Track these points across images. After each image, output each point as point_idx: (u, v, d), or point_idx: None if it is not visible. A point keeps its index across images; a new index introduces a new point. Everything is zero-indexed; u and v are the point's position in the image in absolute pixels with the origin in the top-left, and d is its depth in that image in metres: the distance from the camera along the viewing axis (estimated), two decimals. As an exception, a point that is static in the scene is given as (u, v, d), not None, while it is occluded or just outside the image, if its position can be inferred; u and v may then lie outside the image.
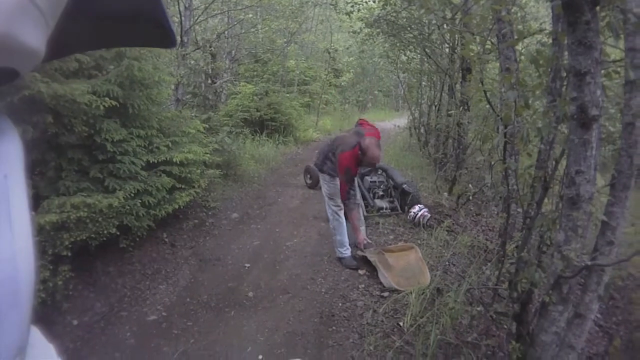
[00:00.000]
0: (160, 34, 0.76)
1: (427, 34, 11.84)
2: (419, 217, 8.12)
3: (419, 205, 8.44)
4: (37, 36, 0.50)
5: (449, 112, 11.07)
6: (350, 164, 6.10)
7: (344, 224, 6.61)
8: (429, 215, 8.18)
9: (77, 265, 5.44)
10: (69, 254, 5.15)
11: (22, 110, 4.75)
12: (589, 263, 2.94)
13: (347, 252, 6.66)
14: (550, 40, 4.07)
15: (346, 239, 6.65)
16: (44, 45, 0.53)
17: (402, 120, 20.71)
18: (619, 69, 3.46)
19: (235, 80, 18.70)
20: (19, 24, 0.46)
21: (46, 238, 4.95)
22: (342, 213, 6.59)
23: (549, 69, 3.69)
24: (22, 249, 0.52)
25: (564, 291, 3.17)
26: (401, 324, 4.99)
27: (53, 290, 4.98)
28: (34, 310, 0.57)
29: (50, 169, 5.48)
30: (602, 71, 3.06)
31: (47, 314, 4.96)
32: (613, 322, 5.49)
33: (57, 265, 5.08)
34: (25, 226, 0.54)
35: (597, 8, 2.77)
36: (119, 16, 0.71)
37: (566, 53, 3.15)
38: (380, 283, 6.00)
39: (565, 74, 3.58)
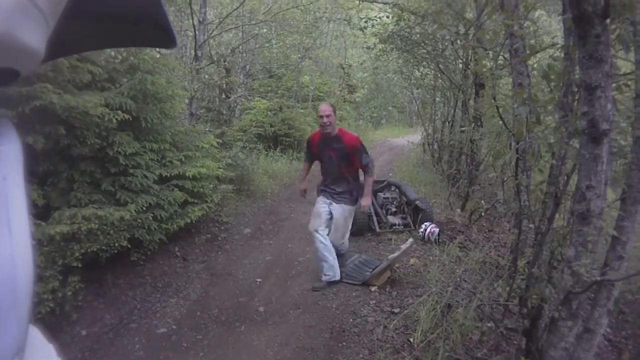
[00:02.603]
0: (160, 34, 0.76)
1: (440, 50, 11.85)
2: (428, 234, 8.12)
3: (428, 221, 8.42)
4: (37, 36, 0.50)
5: (462, 129, 11.06)
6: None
7: None
8: (438, 230, 8.16)
9: (87, 277, 5.45)
10: (79, 265, 5.17)
11: (33, 120, 4.77)
12: (599, 278, 2.92)
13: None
14: (562, 55, 4.06)
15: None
16: (44, 45, 0.53)
17: (415, 137, 20.68)
18: (629, 82, 3.45)
19: (249, 95, 18.76)
20: (19, 24, 0.46)
21: (56, 248, 4.96)
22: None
23: (561, 84, 3.68)
24: (20, 250, 0.52)
25: (573, 307, 3.15)
26: (411, 339, 4.96)
27: (62, 300, 5.00)
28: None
29: (62, 180, 5.51)
30: (613, 85, 3.05)
31: (56, 323, 4.97)
32: (622, 336, 5.46)
33: (66, 276, 5.11)
34: (24, 227, 0.54)
35: (608, 21, 2.76)
36: (119, 16, 0.71)
37: (577, 67, 3.15)
38: (391, 300, 5.98)
39: (576, 89, 3.57)
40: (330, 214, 6.40)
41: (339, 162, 6.30)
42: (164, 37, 0.76)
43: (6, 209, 0.51)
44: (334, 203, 6.37)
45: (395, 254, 6.26)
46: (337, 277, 6.46)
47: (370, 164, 6.14)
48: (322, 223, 6.36)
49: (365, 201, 6.25)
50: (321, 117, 6.14)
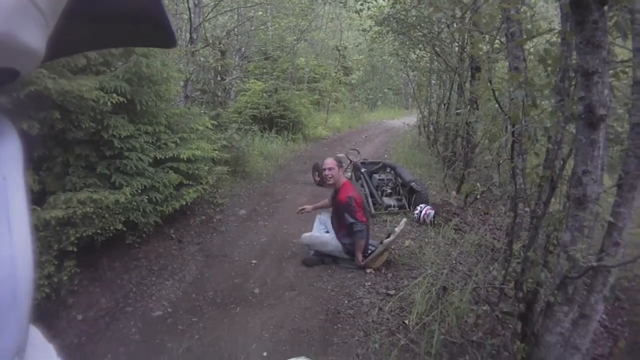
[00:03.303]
0: (160, 34, 0.75)
1: (436, 33, 11.82)
2: (424, 216, 8.16)
3: (423, 203, 8.45)
4: (37, 36, 0.50)
5: (458, 111, 11.06)
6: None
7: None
8: (434, 212, 8.21)
9: (82, 261, 5.46)
10: (75, 249, 5.17)
11: (28, 106, 4.75)
12: (595, 264, 2.93)
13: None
14: (559, 40, 4.05)
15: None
16: (44, 45, 0.52)
17: (411, 119, 20.73)
18: (627, 69, 3.45)
19: (244, 78, 18.74)
20: (19, 24, 0.45)
21: (52, 233, 4.96)
22: None
23: (557, 69, 3.67)
24: (21, 250, 0.51)
25: (569, 292, 3.16)
26: (407, 322, 4.99)
27: (58, 285, 5.01)
28: (34, 308, 0.57)
29: (57, 165, 5.50)
30: (610, 71, 3.05)
31: (52, 308, 4.98)
32: (618, 324, 5.47)
33: (62, 261, 5.11)
34: (24, 227, 0.53)
35: (605, 8, 2.75)
36: (119, 16, 0.70)
37: (574, 52, 3.14)
38: (387, 282, 6.01)
39: (573, 74, 3.57)
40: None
41: (335, 214, 6.66)
42: (164, 36, 0.76)
43: (6, 209, 0.51)
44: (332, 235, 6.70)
45: (391, 238, 6.29)
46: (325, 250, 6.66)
47: (356, 228, 6.22)
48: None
49: (357, 259, 6.41)
50: (324, 169, 6.54)
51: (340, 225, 6.41)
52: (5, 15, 0.43)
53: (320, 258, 6.61)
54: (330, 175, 6.47)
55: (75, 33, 0.66)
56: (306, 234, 6.67)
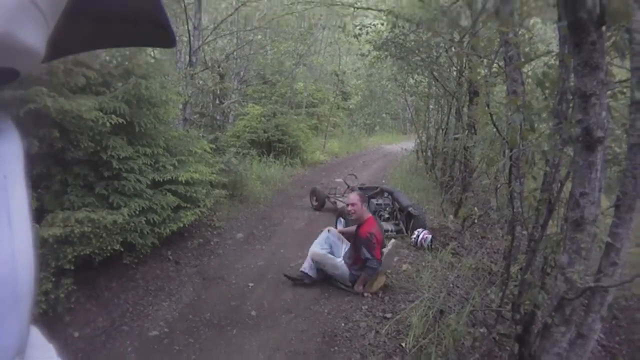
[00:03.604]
0: (160, 33, 0.76)
1: (434, 57, 11.86)
2: (421, 240, 8.15)
3: (420, 228, 8.45)
4: (37, 36, 0.50)
5: (456, 136, 11.08)
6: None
7: None
8: (431, 236, 8.20)
9: (80, 279, 5.44)
10: (72, 267, 5.17)
11: (27, 123, 4.76)
12: (592, 285, 2.93)
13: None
14: (557, 62, 4.08)
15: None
16: (44, 45, 0.53)
17: (409, 144, 20.70)
18: (624, 90, 3.47)
19: (243, 101, 18.83)
20: (19, 24, 0.46)
21: (49, 251, 4.95)
22: None
23: (555, 91, 3.69)
24: (21, 250, 0.52)
25: (566, 313, 3.15)
26: (403, 344, 4.97)
27: (55, 302, 4.99)
28: (33, 312, 0.57)
29: (56, 183, 5.50)
30: (608, 92, 3.06)
31: (48, 325, 4.95)
32: (616, 342, 5.47)
33: (59, 278, 5.10)
34: (25, 227, 0.54)
35: (603, 28, 2.77)
36: (118, 16, 0.71)
37: (572, 75, 3.16)
38: (383, 305, 5.99)
39: (571, 96, 3.58)
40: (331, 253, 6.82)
41: (353, 245, 6.65)
42: (164, 36, 0.77)
43: (7, 207, 0.51)
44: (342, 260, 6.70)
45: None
46: (311, 275, 6.68)
47: (371, 265, 6.20)
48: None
49: (357, 287, 6.43)
50: (347, 204, 6.73)
51: (356, 257, 6.39)
52: (5, 15, 0.44)
53: (303, 276, 6.64)
54: (352, 211, 6.56)
55: (75, 33, 0.66)
56: (318, 251, 6.65)
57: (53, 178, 5.49)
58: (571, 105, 3.65)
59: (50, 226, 4.96)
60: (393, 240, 6.81)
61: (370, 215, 6.62)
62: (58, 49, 0.60)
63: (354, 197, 6.59)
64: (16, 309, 0.51)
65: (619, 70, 3.72)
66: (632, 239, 3.05)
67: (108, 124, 5.49)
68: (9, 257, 0.49)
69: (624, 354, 5.19)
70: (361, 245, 6.21)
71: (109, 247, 5.64)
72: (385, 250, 6.46)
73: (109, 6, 0.69)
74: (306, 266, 6.63)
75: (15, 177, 0.54)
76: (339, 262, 6.56)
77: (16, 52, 0.48)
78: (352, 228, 6.98)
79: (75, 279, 5.29)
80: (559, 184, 3.85)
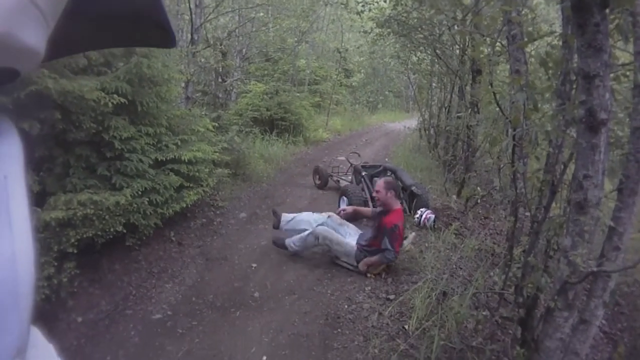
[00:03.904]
0: (160, 34, 0.76)
1: (437, 35, 11.83)
2: (424, 220, 8.18)
3: (423, 207, 8.46)
4: (37, 36, 0.50)
5: (459, 115, 11.06)
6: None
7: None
8: (434, 216, 8.22)
9: (82, 263, 5.46)
10: (75, 251, 5.17)
11: (29, 106, 4.75)
12: (595, 269, 2.92)
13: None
14: (560, 43, 4.05)
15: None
16: (44, 45, 0.53)
17: (412, 122, 20.66)
18: (628, 73, 3.44)
19: (245, 79, 18.77)
20: (19, 24, 0.46)
21: (52, 235, 4.96)
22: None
23: (559, 72, 3.67)
24: (22, 250, 0.52)
25: (569, 297, 3.15)
26: (406, 327, 4.99)
27: (58, 287, 5.00)
28: (34, 310, 0.57)
29: (58, 166, 5.50)
30: (611, 75, 3.04)
31: (51, 310, 4.98)
32: (618, 329, 5.47)
33: (62, 262, 5.11)
34: (25, 227, 0.54)
35: (607, 10, 2.74)
36: (118, 16, 0.71)
37: (576, 56, 3.13)
38: (387, 286, 6.01)
39: (574, 77, 3.56)
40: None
41: (374, 230, 6.58)
42: (164, 36, 0.76)
43: (7, 208, 0.51)
44: (353, 236, 6.85)
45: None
46: (292, 251, 6.88)
47: (388, 255, 6.20)
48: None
49: (361, 266, 6.43)
50: (374, 191, 6.73)
51: (374, 242, 6.37)
52: (5, 15, 0.44)
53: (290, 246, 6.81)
54: (377, 198, 6.62)
55: (75, 33, 0.67)
56: (325, 228, 6.70)
57: (55, 160, 5.49)
58: (574, 86, 3.63)
59: (52, 209, 4.96)
60: (413, 234, 6.84)
61: (399, 207, 6.58)
62: (58, 49, 0.60)
63: (379, 184, 6.61)
64: (16, 309, 0.51)
65: (622, 53, 3.69)
66: (635, 223, 3.04)
67: (110, 104, 5.47)
68: (9, 257, 0.49)
69: (625, 341, 5.19)
70: (384, 235, 6.19)
71: (111, 229, 5.65)
72: (405, 242, 6.52)
73: (109, 6, 0.69)
74: (294, 241, 6.78)
75: (15, 177, 0.54)
76: (345, 241, 6.60)
77: (16, 52, 0.48)
78: (370, 210, 7.24)
79: (78, 263, 5.31)
80: (562, 166, 3.83)
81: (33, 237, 0.55)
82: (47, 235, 4.91)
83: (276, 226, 7.09)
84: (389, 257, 6.15)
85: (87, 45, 0.96)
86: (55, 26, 0.54)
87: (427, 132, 16.89)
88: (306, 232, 6.69)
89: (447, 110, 13.68)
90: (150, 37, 0.82)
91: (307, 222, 6.89)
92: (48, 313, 4.93)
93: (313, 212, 7.21)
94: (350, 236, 6.77)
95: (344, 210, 7.27)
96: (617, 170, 3.88)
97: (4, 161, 0.53)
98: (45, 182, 5.37)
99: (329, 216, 7.02)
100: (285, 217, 7.09)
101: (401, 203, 8.76)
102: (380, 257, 6.21)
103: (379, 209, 6.75)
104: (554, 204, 3.93)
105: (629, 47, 3.28)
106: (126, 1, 0.70)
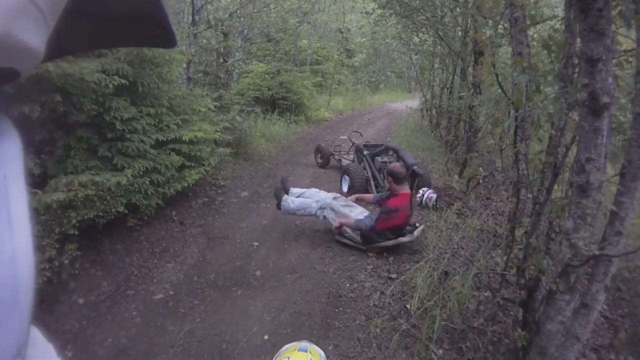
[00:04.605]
0: (160, 33, 0.76)
1: (439, 16, 11.78)
2: (426, 199, 8.18)
3: (425, 187, 8.47)
4: (37, 36, 0.50)
5: (461, 95, 11.03)
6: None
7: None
8: (435, 196, 8.23)
9: (84, 244, 5.48)
10: (76, 232, 5.18)
11: (29, 89, 4.74)
12: (597, 253, 2.93)
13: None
14: (563, 27, 4.04)
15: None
16: (44, 45, 0.52)
17: (414, 102, 20.63)
18: (630, 59, 3.44)
19: (247, 59, 18.68)
20: (19, 24, 0.45)
21: (53, 217, 4.97)
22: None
23: (561, 55, 3.66)
24: (22, 249, 0.51)
25: (571, 280, 3.16)
26: (408, 306, 5.01)
27: (59, 269, 5.02)
28: (33, 309, 0.57)
29: (59, 148, 5.49)
30: (614, 60, 3.03)
31: (53, 292, 5.01)
32: (619, 314, 5.48)
33: (63, 244, 5.12)
34: (25, 226, 0.53)
35: (610, -3, 2.74)
36: (118, 16, 0.71)
37: (578, 39, 3.12)
38: (388, 265, 6.02)
39: (577, 61, 3.55)
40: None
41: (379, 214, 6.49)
42: (164, 36, 0.76)
43: (7, 208, 0.51)
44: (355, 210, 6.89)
45: (406, 238, 6.37)
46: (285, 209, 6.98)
47: (360, 224, 6.37)
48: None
49: (335, 224, 6.63)
50: None
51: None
52: (5, 15, 0.43)
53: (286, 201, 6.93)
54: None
55: (75, 33, 0.66)
56: (332, 201, 6.83)
57: (56, 143, 5.48)
58: (577, 69, 3.62)
59: (53, 191, 4.96)
60: (422, 226, 6.81)
61: (405, 191, 6.52)
62: (58, 49, 0.59)
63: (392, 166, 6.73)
64: (16, 309, 0.51)
65: (625, 39, 3.68)
66: (637, 208, 3.04)
67: (111, 86, 5.46)
68: (9, 257, 0.49)
69: (626, 327, 5.20)
70: (381, 211, 6.30)
71: (113, 210, 5.67)
72: (415, 232, 6.50)
73: (109, 6, 0.68)
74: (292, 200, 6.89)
75: (15, 177, 0.54)
76: (350, 214, 6.64)
77: (16, 52, 0.48)
78: (372, 196, 7.42)
79: (80, 244, 5.32)
80: (564, 148, 3.83)
81: (33, 237, 0.56)
82: (48, 218, 4.91)
83: (280, 197, 7.09)
84: (365, 222, 6.24)
85: (87, 45, 0.95)
86: (55, 26, 0.53)
87: (429, 112, 16.84)
88: (310, 199, 6.76)
89: (449, 91, 13.64)
90: (150, 37, 0.82)
91: (317, 197, 6.89)
92: (50, 295, 4.95)
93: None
94: (357, 215, 6.73)
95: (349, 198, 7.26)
96: (620, 155, 3.88)
97: (4, 161, 0.53)
98: (46, 164, 5.36)
99: (334, 197, 7.00)
100: (294, 191, 7.10)
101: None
102: (357, 221, 6.31)
103: (385, 193, 6.81)
104: (556, 186, 3.93)
105: (631, 33, 3.27)
106: (126, 1, 0.70)
